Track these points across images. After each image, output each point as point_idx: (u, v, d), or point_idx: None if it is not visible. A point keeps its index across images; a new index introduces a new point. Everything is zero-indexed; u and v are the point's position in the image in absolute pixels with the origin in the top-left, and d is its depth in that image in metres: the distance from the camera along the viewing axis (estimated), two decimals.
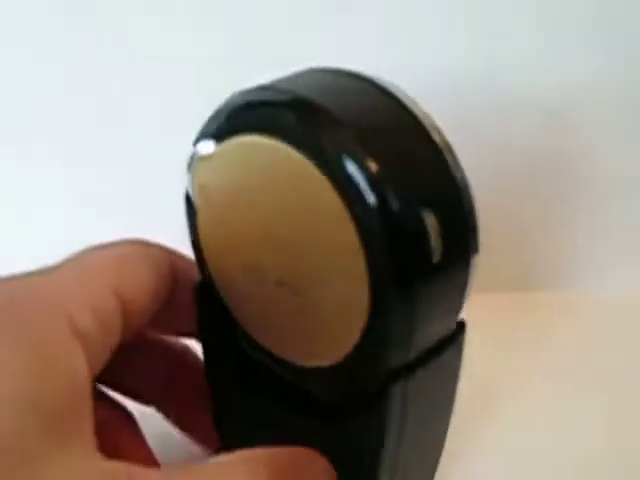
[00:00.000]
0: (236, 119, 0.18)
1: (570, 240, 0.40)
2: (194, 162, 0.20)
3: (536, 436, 0.30)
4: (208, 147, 0.19)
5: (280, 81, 0.19)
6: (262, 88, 0.19)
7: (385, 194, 0.16)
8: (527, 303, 0.38)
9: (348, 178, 0.16)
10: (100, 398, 0.22)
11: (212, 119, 0.20)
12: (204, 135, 0.20)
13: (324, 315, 0.18)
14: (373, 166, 0.16)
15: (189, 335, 0.25)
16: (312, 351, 0.19)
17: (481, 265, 0.18)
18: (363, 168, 0.16)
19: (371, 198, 0.16)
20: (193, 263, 0.22)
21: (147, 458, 0.24)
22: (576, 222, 0.39)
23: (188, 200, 0.21)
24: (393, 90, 0.18)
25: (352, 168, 0.16)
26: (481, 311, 0.21)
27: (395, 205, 0.16)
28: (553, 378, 0.34)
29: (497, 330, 0.35)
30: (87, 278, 0.20)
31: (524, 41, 0.35)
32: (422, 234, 0.17)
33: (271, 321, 0.20)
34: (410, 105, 0.18)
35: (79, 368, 0.18)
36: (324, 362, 0.19)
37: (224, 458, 0.20)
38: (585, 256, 0.40)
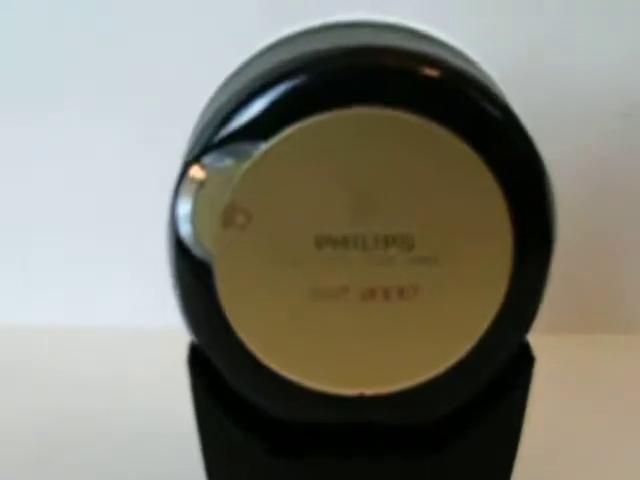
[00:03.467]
0: (306, 101, 0.17)
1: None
2: (208, 188, 0.17)
3: None
4: (246, 152, 0.17)
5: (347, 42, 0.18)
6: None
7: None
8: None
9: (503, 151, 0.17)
10: None
11: (214, 129, 0.17)
12: (219, 147, 0.17)
13: (452, 304, 0.18)
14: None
15: None
16: (434, 355, 0.18)
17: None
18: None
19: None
20: None
21: None
22: None
23: (185, 255, 0.18)
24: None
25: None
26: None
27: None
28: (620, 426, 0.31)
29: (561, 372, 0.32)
30: None
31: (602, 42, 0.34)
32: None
33: (361, 352, 0.18)
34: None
35: None
36: (452, 359, 0.18)
37: None
38: None
